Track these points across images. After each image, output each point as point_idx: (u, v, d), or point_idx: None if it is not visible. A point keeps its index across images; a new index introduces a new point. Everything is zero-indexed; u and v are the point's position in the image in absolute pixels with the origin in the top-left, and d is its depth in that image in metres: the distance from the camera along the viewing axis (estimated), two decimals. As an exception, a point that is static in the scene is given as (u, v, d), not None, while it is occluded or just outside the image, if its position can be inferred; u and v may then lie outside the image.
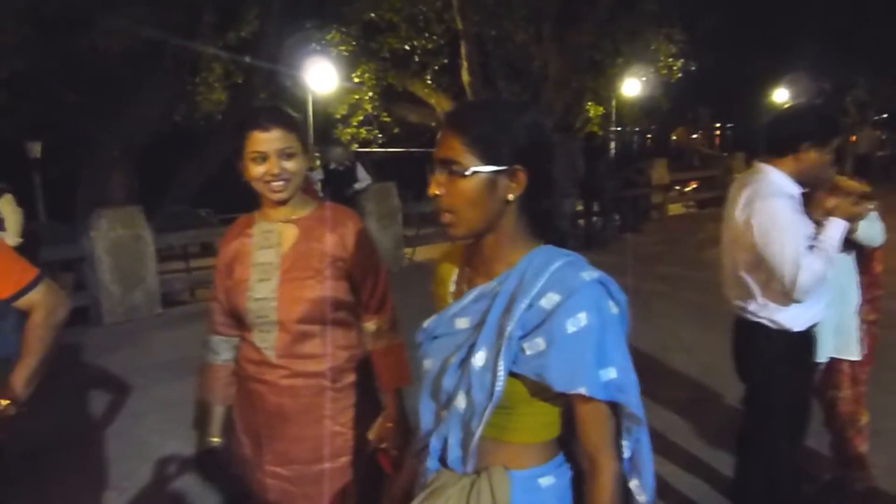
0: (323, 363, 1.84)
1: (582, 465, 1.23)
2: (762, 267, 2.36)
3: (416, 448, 1.41)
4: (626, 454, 1.23)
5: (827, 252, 2.30)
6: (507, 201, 1.21)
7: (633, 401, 1.17)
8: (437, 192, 1.22)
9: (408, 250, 9.36)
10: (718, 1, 15.04)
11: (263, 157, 1.75)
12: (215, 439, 2.00)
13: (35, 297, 1.82)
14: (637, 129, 23.58)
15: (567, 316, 1.13)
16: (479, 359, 1.19)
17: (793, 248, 2.24)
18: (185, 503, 3.20)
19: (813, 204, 2.42)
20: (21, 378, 1.77)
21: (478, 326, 1.23)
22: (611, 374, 1.14)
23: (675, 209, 14.32)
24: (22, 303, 1.81)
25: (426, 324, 1.33)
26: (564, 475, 1.28)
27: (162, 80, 10.51)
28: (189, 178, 12.09)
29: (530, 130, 1.21)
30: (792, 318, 2.41)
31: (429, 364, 1.30)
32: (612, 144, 19.81)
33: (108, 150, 10.08)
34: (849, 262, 2.78)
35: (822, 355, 2.66)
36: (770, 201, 2.31)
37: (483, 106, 1.32)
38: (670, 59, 15.64)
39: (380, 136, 15.31)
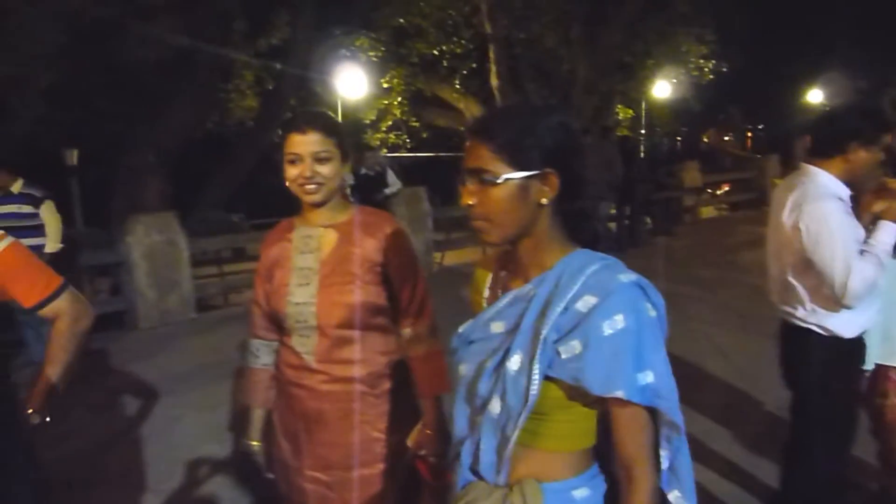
0: (361, 368, 1.84)
1: (618, 475, 1.19)
2: (811, 272, 2.31)
3: (452, 455, 1.39)
4: (665, 464, 1.20)
5: (879, 257, 2.23)
6: (541, 205, 1.19)
7: (671, 407, 1.14)
8: (471, 202, 1.21)
9: (437, 255, 9.36)
10: (750, 1, 14.81)
11: (298, 160, 1.76)
12: (255, 443, 2.02)
13: (60, 305, 1.83)
14: (667, 131, 23.33)
15: (604, 318, 1.11)
16: (514, 363, 1.18)
17: (843, 252, 2.19)
18: (222, 506, 3.22)
19: (861, 207, 2.36)
20: (43, 388, 1.79)
21: (513, 330, 1.21)
22: (648, 377, 1.11)
23: (707, 212, 14.15)
24: (47, 311, 1.82)
25: (462, 329, 1.32)
26: (599, 487, 1.25)
27: (194, 88, 10.66)
28: (221, 184, 12.23)
29: (557, 132, 1.20)
30: (843, 325, 2.35)
31: (464, 369, 1.29)
32: (642, 147, 19.67)
33: (142, 157, 10.24)
34: (894, 266, 2.71)
35: (869, 362, 2.59)
36: (819, 204, 2.25)
37: (508, 112, 1.30)
38: (701, 61, 15.47)
39: (408, 140, 15.37)
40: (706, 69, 15.73)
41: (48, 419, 1.79)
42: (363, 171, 8.44)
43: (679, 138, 26.54)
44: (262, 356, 1.98)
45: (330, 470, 1.87)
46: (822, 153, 2.37)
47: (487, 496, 1.23)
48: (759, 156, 16.53)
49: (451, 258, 9.72)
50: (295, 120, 1.81)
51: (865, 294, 2.23)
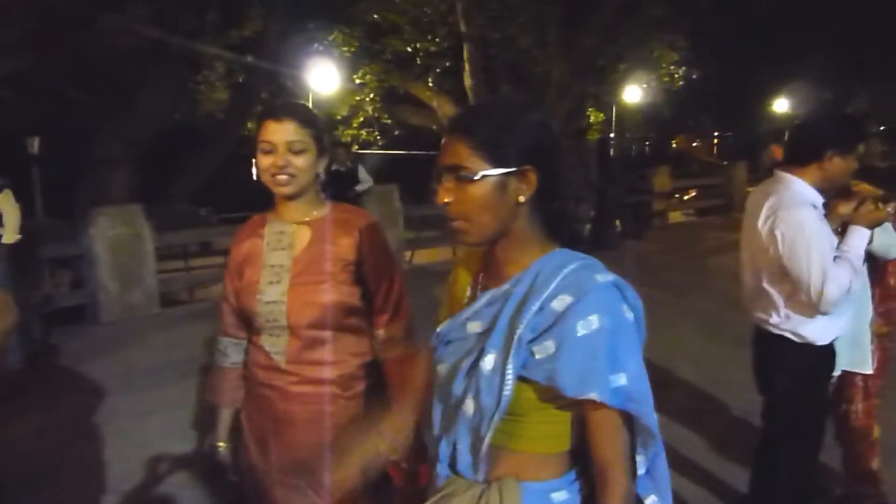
0: (333, 370, 1.79)
1: (594, 479, 1.17)
2: (786, 279, 2.32)
3: (432, 453, 1.37)
4: (642, 470, 1.19)
5: (852, 262, 2.26)
6: (519, 203, 1.17)
7: (645, 411, 1.12)
8: (447, 200, 1.19)
9: (407, 254, 9.32)
10: (722, 9, 15.02)
11: (271, 149, 1.71)
12: (222, 444, 1.96)
13: None
14: (638, 135, 23.56)
15: (579, 318, 1.09)
16: (487, 362, 1.16)
17: (819, 259, 2.21)
18: (184, 507, 3.14)
19: (829, 210, 2.39)
20: None
21: (489, 330, 1.19)
22: (621, 380, 1.09)
23: (675, 217, 14.31)
24: None
25: (440, 328, 1.30)
26: (578, 491, 1.23)
27: (164, 79, 10.45)
28: (189, 177, 12.01)
29: (536, 129, 1.19)
30: (817, 332, 2.37)
31: (442, 369, 1.27)
32: (612, 151, 19.82)
33: (108, 148, 10.00)
34: (863, 273, 2.75)
35: (837, 368, 2.62)
36: (795, 211, 2.27)
37: (487, 108, 1.28)
38: (672, 67, 15.63)
39: (380, 138, 15.28)
40: (677, 75, 15.91)
41: None
42: (334, 167, 8.37)
43: (647, 143, 26.85)
44: (231, 354, 1.92)
45: (300, 472, 1.81)
46: (797, 160, 2.39)
47: (465, 490, 1.22)
48: (726, 163, 16.77)
49: (422, 257, 9.68)
50: (272, 108, 1.75)
51: (841, 300, 2.25)
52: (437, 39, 13.32)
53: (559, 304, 1.12)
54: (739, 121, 26.44)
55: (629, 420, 1.14)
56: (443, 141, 1.22)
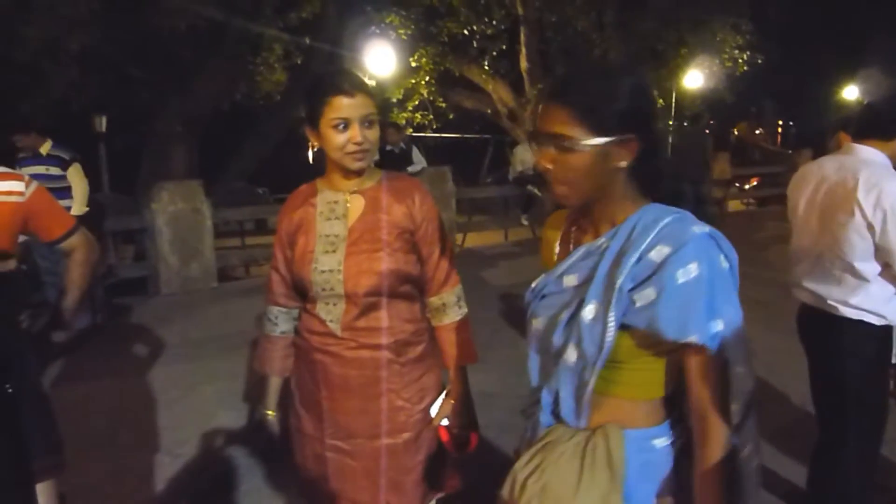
0: (388, 336, 1.80)
1: (692, 426, 1.21)
2: (876, 255, 2.26)
3: (524, 406, 1.42)
4: (736, 419, 1.20)
5: None
6: (619, 168, 1.21)
7: (740, 358, 1.15)
8: (549, 167, 1.22)
9: (458, 236, 9.32)
10: (788, -8, 14.49)
11: (346, 124, 1.68)
12: (271, 412, 1.98)
13: (76, 240, 2.21)
14: (699, 122, 22.93)
15: (678, 266, 1.13)
16: (588, 312, 1.20)
17: None
18: (236, 473, 3.23)
19: None
20: (72, 305, 2.22)
21: (586, 282, 1.23)
22: (719, 326, 1.13)
23: (734, 205, 13.92)
24: (65, 245, 2.19)
25: (535, 284, 1.34)
26: (678, 437, 1.27)
27: (224, 59, 10.64)
28: (247, 157, 12.22)
29: (635, 94, 1.20)
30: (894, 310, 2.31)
31: (538, 323, 1.31)
32: (670, 138, 19.36)
33: (170, 126, 10.27)
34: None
35: None
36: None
37: (585, 73, 1.28)
38: (736, 51, 15.11)
39: (434, 121, 15.25)
40: (741, 60, 15.36)
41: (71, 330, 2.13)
42: (388, 147, 8.42)
43: (708, 130, 26.13)
44: (281, 324, 1.93)
45: (352, 438, 1.83)
46: (878, 134, 2.33)
47: (569, 438, 1.25)
48: (790, 151, 16.20)
49: (473, 240, 9.67)
50: (337, 82, 1.69)
51: None
52: (493, 22, 13.18)
53: (657, 254, 1.15)
54: (805, 108, 25.47)
55: (726, 367, 1.16)
56: (541, 106, 1.24)
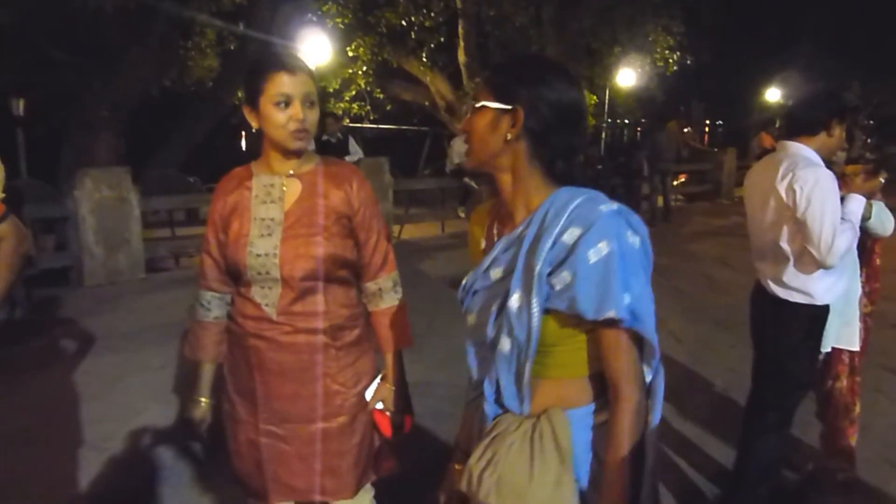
0: (324, 321, 1.79)
1: (608, 395, 1.26)
2: (798, 234, 2.42)
3: (468, 399, 1.47)
4: (647, 379, 1.29)
5: (853, 224, 2.41)
6: (507, 140, 1.26)
7: (648, 329, 1.21)
8: (465, 130, 1.33)
9: (395, 228, 9.30)
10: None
11: (288, 102, 1.66)
12: (204, 399, 1.95)
13: (6, 228, 2.04)
14: (627, 120, 23.54)
15: (588, 246, 1.17)
16: (514, 301, 1.24)
17: (832, 213, 2.33)
18: (166, 465, 3.15)
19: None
20: None
21: (510, 273, 1.27)
22: (626, 299, 1.17)
23: (662, 201, 14.33)
24: None
25: (465, 281, 1.38)
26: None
27: (153, 43, 10.27)
28: (177, 144, 11.86)
29: (539, 76, 1.27)
30: (823, 291, 2.48)
31: (472, 318, 1.36)
32: (603, 134, 19.79)
33: (95, 111, 9.84)
34: (853, 252, 2.81)
35: (826, 345, 2.68)
36: (812, 169, 2.38)
37: (517, 58, 1.43)
38: (667, 52, 15.57)
39: (372, 112, 15.14)
40: (671, 60, 15.84)
41: None
42: (325, 137, 8.32)
43: (638, 128, 26.85)
44: (214, 309, 1.89)
45: (286, 423, 1.81)
46: (803, 130, 2.51)
47: (517, 427, 1.29)
48: (716, 150, 16.81)
49: (410, 232, 9.67)
50: (280, 60, 1.67)
51: (844, 255, 2.39)
52: (432, 14, 13.16)
53: (569, 237, 1.19)
54: (731, 109, 26.48)
55: (637, 339, 1.23)
56: None
